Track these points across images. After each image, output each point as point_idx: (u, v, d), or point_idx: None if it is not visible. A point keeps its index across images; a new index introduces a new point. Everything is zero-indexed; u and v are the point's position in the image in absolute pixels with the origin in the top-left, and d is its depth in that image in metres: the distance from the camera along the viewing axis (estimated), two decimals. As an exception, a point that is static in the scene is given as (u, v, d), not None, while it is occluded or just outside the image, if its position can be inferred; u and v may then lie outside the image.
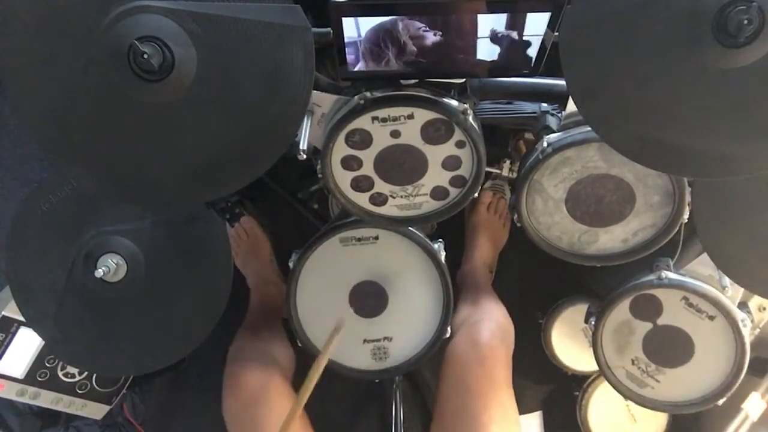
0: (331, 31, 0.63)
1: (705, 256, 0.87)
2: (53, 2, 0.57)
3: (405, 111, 0.72)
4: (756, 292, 0.89)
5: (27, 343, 1.08)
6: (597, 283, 1.14)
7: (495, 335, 0.95)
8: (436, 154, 0.76)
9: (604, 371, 0.98)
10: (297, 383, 0.99)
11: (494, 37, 0.65)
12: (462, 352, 0.93)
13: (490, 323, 0.97)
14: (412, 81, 0.75)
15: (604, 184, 0.81)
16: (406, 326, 0.93)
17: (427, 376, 1.38)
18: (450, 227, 1.00)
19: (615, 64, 0.62)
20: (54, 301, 0.83)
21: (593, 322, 0.95)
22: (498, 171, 1.07)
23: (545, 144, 0.79)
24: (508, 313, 1.06)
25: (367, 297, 0.91)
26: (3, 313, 1.03)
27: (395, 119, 0.73)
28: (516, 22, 0.63)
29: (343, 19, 0.62)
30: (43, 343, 1.07)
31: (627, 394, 0.98)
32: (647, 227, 0.84)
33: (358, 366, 0.95)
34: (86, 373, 1.17)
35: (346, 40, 0.64)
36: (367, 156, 0.76)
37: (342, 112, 0.73)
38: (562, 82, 0.84)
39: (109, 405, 1.25)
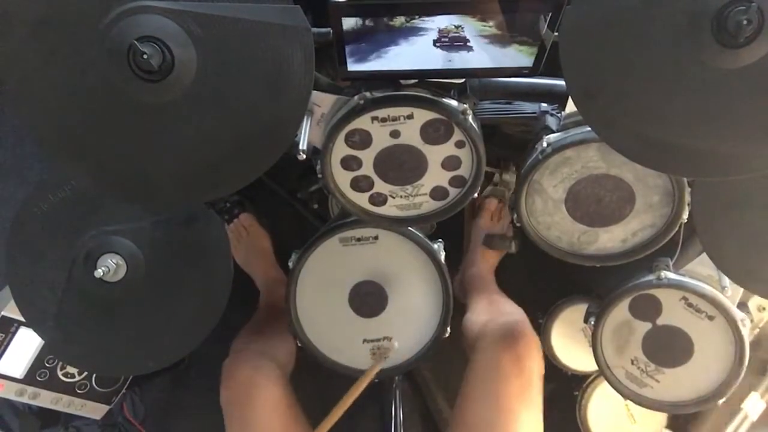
0: (331, 31, 0.63)
1: (705, 256, 0.86)
2: (53, 2, 0.57)
3: (405, 111, 0.72)
4: (756, 292, 0.89)
5: (27, 343, 1.08)
6: (597, 283, 1.14)
7: (531, 331, 0.94)
8: (435, 154, 0.76)
9: (603, 371, 0.98)
10: (296, 379, 1.00)
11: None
12: (498, 343, 0.91)
13: (523, 319, 0.97)
14: (412, 81, 0.75)
15: (604, 184, 0.81)
16: (406, 326, 0.93)
17: (427, 376, 1.38)
18: (450, 227, 1.00)
19: (615, 64, 0.62)
20: (54, 301, 0.83)
21: (593, 322, 0.95)
22: (497, 171, 1.07)
23: (545, 144, 0.79)
24: None
25: (366, 297, 0.91)
26: (3, 313, 1.03)
27: (395, 119, 0.73)
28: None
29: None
30: (43, 343, 1.07)
31: (626, 394, 0.98)
32: (647, 227, 0.84)
33: (358, 366, 0.95)
34: (86, 373, 1.17)
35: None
36: (367, 156, 0.76)
37: (342, 112, 0.73)
38: (562, 82, 0.85)
39: (109, 405, 1.25)
